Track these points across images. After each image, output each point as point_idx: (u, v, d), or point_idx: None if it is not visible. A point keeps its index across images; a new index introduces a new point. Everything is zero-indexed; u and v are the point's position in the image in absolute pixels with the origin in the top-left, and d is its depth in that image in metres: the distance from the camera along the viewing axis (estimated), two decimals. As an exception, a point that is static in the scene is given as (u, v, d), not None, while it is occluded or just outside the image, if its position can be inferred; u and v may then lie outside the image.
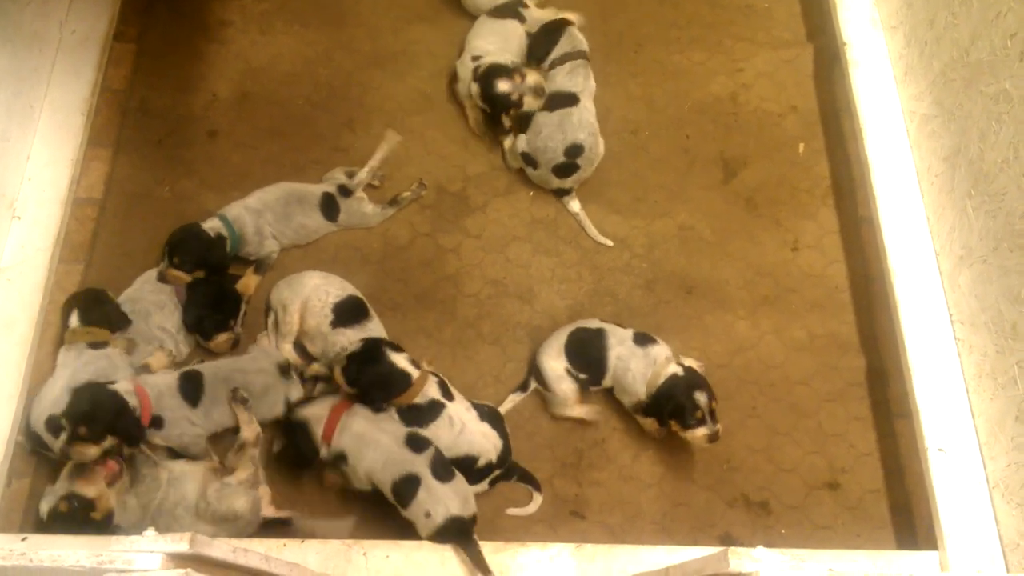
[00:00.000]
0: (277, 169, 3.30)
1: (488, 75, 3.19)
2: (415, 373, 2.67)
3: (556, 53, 3.30)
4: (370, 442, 2.57)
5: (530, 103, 3.18)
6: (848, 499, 2.83)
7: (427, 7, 3.59)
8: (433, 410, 2.67)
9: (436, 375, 2.77)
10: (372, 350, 2.67)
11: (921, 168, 3.05)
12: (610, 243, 3.18)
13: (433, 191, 3.30)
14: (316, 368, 2.89)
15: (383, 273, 3.15)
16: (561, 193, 3.24)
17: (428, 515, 2.49)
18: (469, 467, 2.66)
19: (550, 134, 3.13)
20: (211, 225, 2.94)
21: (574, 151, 3.13)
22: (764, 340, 3.06)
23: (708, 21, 3.68)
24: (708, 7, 3.71)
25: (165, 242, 2.91)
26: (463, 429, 2.67)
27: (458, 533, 2.49)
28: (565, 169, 3.16)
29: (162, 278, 2.89)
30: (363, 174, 3.18)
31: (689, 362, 2.83)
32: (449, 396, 2.72)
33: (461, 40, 3.47)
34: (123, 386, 2.59)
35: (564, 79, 3.25)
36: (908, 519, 2.79)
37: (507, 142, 3.31)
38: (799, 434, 2.92)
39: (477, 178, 3.33)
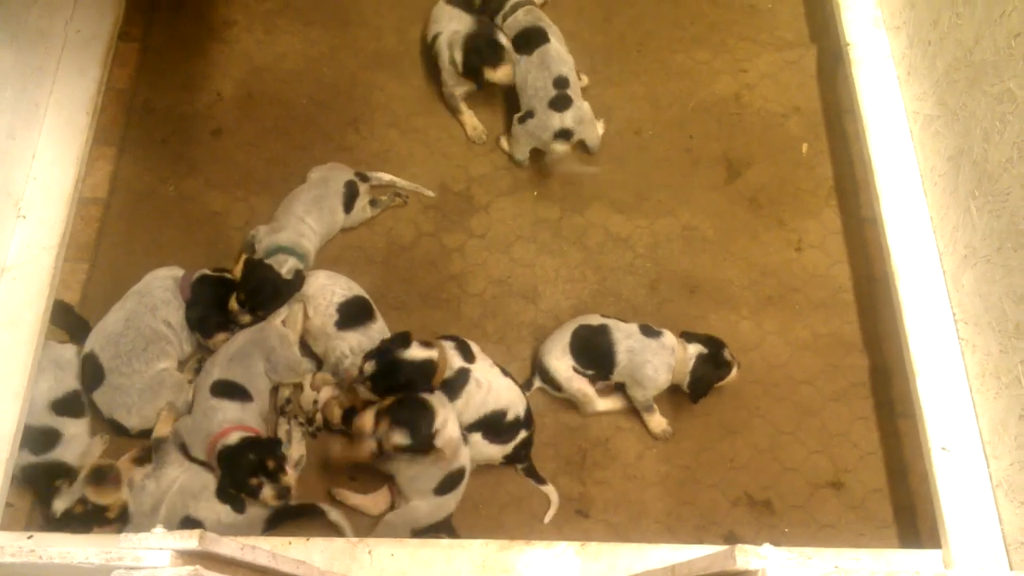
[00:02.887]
0: (282, 168, 3.30)
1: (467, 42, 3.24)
2: (434, 355, 2.63)
3: (507, 5, 3.40)
4: None
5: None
6: (852, 498, 2.83)
7: (430, 7, 3.59)
8: (461, 377, 2.65)
9: (452, 339, 2.75)
10: (389, 364, 2.59)
11: (925, 168, 3.05)
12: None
13: (437, 191, 3.30)
14: (321, 377, 2.87)
15: (387, 272, 3.15)
16: (564, 136, 3.19)
17: None
18: (499, 422, 2.68)
19: (536, 74, 3.19)
20: (289, 267, 2.88)
21: (561, 82, 3.17)
22: (768, 340, 3.06)
23: (711, 21, 3.68)
24: (711, 7, 3.72)
25: (241, 281, 2.85)
26: (490, 386, 2.68)
27: None
28: (561, 102, 3.16)
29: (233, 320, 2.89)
30: (384, 177, 3.23)
31: None
32: (471, 357, 2.71)
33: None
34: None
35: (525, 18, 3.33)
36: (911, 518, 2.80)
37: (504, 141, 3.35)
38: (803, 433, 2.93)
39: (481, 178, 3.34)
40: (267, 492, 2.56)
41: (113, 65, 3.40)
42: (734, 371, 2.84)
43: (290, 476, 2.58)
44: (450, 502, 2.66)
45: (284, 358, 2.80)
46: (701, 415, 2.95)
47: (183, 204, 3.24)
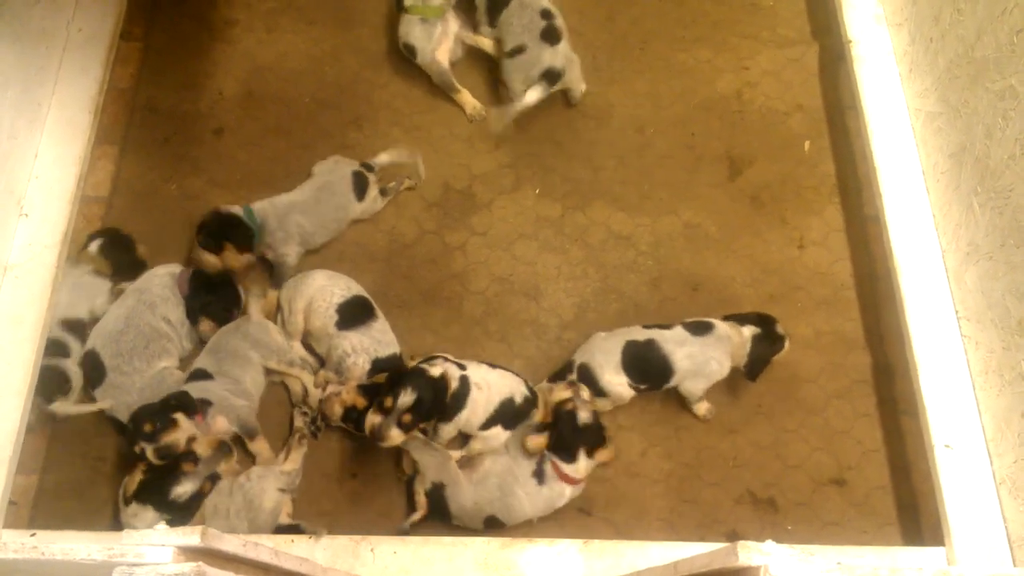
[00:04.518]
0: (284, 167, 3.31)
1: None
2: (439, 370, 2.59)
3: None
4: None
5: None
6: (855, 496, 2.83)
7: (433, 5, 3.58)
8: (463, 386, 2.63)
9: (442, 357, 2.74)
10: (424, 386, 2.53)
11: (927, 165, 3.05)
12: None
13: (439, 189, 3.30)
14: (324, 375, 2.88)
15: (389, 271, 3.15)
16: (553, 78, 3.20)
17: None
18: (510, 410, 2.68)
19: (519, 12, 3.26)
20: (235, 209, 2.97)
21: (547, 14, 3.24)
22: (770, 337, 3.06)
23: (713, 19, 3.68)
24: (713, 5, 3.71)
25: (198, 225, 2.94)
26: (488, 384, 2.68)
27: None
28: (550, 33, 3.20)
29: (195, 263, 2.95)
30: (383, 157, 3.22)
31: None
32: (462, 367, 2.69)
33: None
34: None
35: None
36: (915, 515, 2.79)
37: (492, 112, 3.39)
38: (806, 431, 2.92)
39: (483, 176, 3.34)
40: (149, 452, 2.56)
41: (115, 64, 3.41)
42: (787, 343, 2.87)
43: (175, 436, 2.57)
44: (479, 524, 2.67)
45: (267, 343, 2.84)
46: (703, 413, 2.95)
47: (185, 203, 3.24)
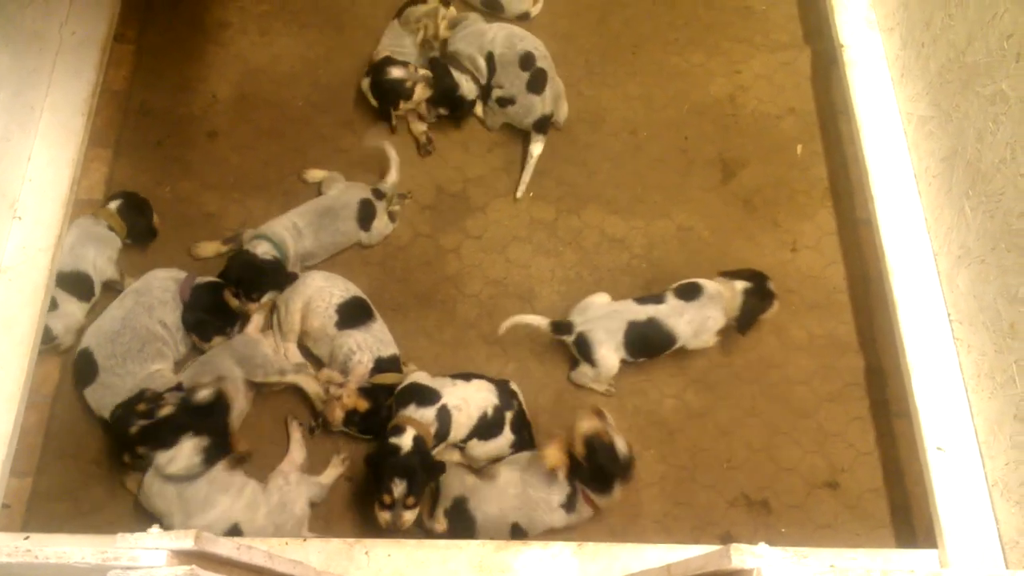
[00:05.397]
0: (277, 170, 3.31)
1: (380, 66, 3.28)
2: (413, 434, 2.59)
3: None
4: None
5: (420, 93, 3.27)
6: (848, 498, 2.84)
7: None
8: (442, 414, 2.66)
9: (403, 394, 2.74)
10: (403, 466, 2.56)
11: (919, 169, 3.06)
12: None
13: (433, 192, 3.31)
14: (327, 374, 2.87)
15: (384, 274, 3.15)
16: (542, 126, 3.28)
17: None
18: (485, 424, 2.71)
19: (502, 71, 3.29)
20: (263, 250, 2.92)
21: (528, 61, 3.27)
22: (764, 340, 3.07)
23: (705, 23, 3.70)
24: (705, 9, 3.73)
25: (223, 272, 2.92)
26: (466, 402, 2.70)
27: None
28: (536, 83, 3.25)
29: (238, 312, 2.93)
30: (391, 177, 3.21)
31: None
32: (435, 396, 2.69)
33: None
34: None
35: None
36: (907, 518, 2.80)
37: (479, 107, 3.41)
38: (799, 434, 2.93)
39: (477, 179, 3.34)
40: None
41: (108, 67, 3.39)
42: (775, 304, 2.95)
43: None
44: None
45: (251, 357, 2.82)
46: (697, 415, 2.95)
47: (178, 206, 3.24)
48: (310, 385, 2.85)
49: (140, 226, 3.09)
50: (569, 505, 2.63)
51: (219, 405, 2.63)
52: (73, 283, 2.92)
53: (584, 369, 2.91)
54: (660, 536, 2.76)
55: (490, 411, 2.73)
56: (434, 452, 2.67)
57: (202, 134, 3.40)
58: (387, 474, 2.54)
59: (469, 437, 2.73)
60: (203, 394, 2.61)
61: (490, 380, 2.81)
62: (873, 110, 3.21)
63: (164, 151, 3.35)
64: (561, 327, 2.89)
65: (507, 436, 2.75)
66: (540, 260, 3.20)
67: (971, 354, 2.70)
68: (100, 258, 2.97)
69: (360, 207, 3.09)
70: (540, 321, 2.90)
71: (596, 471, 2.59)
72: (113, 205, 3.07)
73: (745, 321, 2.92)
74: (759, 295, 2.92)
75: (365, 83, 3.32)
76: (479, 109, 3.41)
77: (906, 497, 2.83)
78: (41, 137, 3.09)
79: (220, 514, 2.55)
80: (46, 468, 2.79)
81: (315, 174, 3.26)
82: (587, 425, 2.62)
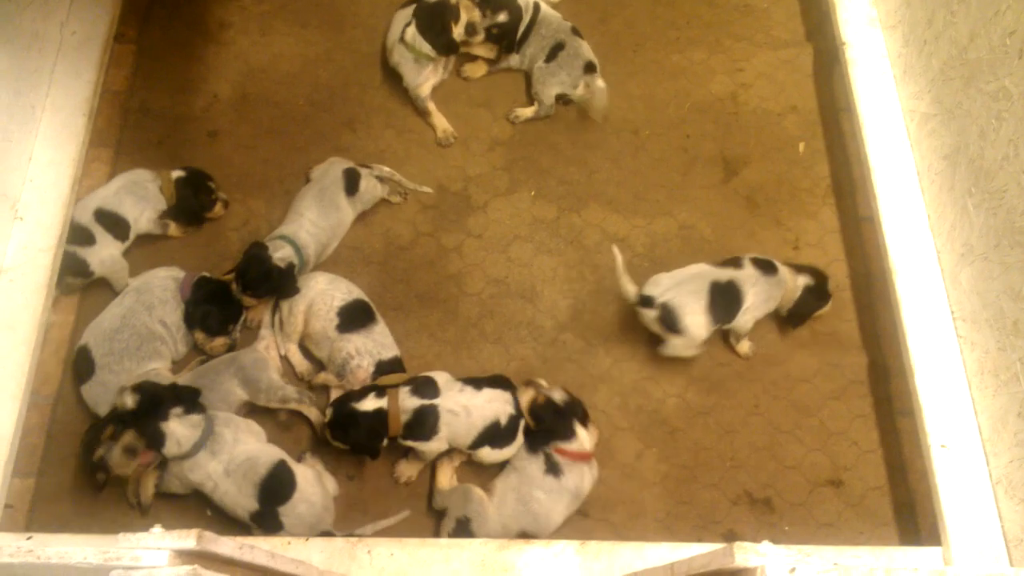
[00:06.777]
0: (278, 169, 3.30)
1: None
2: (383, 404, 2.63)
3: None
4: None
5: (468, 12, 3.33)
6: (851, 496, 2.83)
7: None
8: (427, 414, 2.64)
9: (416, 379, 2.73)
10: (345, 416, 2.65)
11: (921, 166, 3.06)
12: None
13: (434, 191, 3.30)
14: (323, 377, 2.87)
15: (385, 273, 3.15)
16: (591, 68, 3.36)
17: None
18: (496, 431, 2.68)
19: (544, 25, 3.41)
20: (281, 255, 2.89)
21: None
22: (766, 338, 3.06)
23: (707, 21, 3.69)
24: (706, 7, 3.72)
25: (237, 267, 2.89)
26: (468, 410, 2.67)
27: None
28: (576, 30, 3.41)
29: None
30: (384, 170, 3.22)
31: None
32: (434, 393, 2.68)
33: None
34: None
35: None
36: (911, 516, 2.80)
37: (518, 111, 3.45)
38: (802, 432, 2.93)
39: (478, 178, 3.34)
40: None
41: (109, 67, 3.39)
42: (828, 305, 3.00)
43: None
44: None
45: (257, 380, 2.79)
46: (699, 414, 2.95)
47: (180, 206, 3.23)
48: (313, 414, 2.83)
49: (187, 204, 3.08)
50: (552, 469, 2.65)
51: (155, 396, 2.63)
52: (111, 223, 2.97)
53: (674, 341, 2.90)
54: (663, 535, 2.75)
55: (504, 420, 2.69)
56: (424, 451, 2.71)
57: (203, 134, 3.40)
58: (334, 422, 2.66)
59: (479, 445, 2.69)
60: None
61: (504, 387, 2.76)
62: (875, 107, 3.21)
63: (165, 151, 3.35)
64: (645, 301, 2.86)
65: (519, 441, 2.73)
66: (542, 259, 3.20)
67: (975, 351, 2.70)
68: (135, 210, 3.01)
69: (344, 176, 3.10)
70: (630, 288, 2.86)
71: (551, 427, 2.69)
72: (176, 174, 3.08)
73: (798, 315, 2.97)
74: (817, 294, 2.97)
75: (409, 32, 3.30)
76: (519, 111, 3.43)
77: (910, 495, 2.82)
78: (42, 137, 3.09)
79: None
80: (48, 469, 2.79)
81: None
82: (525, 399, 2.75)
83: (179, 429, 2.56)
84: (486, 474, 2.78)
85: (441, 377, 2.75)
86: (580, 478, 2.68)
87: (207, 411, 2.65)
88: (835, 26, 3.42)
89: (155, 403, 2.57)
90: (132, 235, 3.03)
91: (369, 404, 2.63)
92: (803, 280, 2.96)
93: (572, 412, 2.71)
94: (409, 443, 2.70)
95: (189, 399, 2.63)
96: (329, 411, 2.70)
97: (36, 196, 2.99)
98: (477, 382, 2.74)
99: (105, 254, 2.96)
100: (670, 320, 2.84)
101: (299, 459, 2.75)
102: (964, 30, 2.80)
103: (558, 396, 2.74)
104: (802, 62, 3.60)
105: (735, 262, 2.93)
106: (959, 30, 2.83)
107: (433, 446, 2.69)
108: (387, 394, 2.65)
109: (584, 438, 2.69)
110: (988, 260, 2.63)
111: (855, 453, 2.90)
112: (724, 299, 2.86)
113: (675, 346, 2.92)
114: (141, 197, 3.03)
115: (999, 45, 2.60)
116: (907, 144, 3.13)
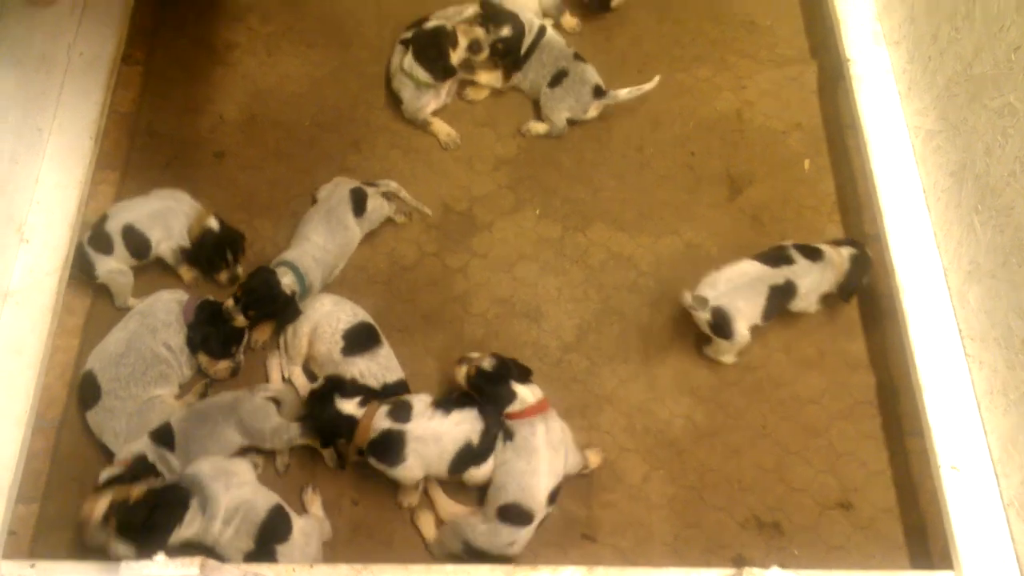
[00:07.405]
0: (284, 191, 3.31)
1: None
2: (358, 414, 2.62)
3: None
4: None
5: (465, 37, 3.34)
6: (861, 519, 2.80)
7: (432, 28, 3.60)
8: (392, 439, 2.60)
9: (392, 402, 2.69)
10: (324, 398, 2.65)
11: (927, 183, 3.04)
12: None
13: (439, 211, 3.30)
14: None
15: (390, 294, 3.14)
16: (599, 93, 3.39)
17: None
18: (469, 452, 2.64)
19: (547, 49, 3.41)
20: (286, 282, 2.86)
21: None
22: (773, 358, 3.04)
23: (711, 38, 3.69)
24: (711, 24, 3.73)
25: (241, 286, 2.86)
26: (437, 436, 2.62)
27: None
28: (580, 56, 3.43)
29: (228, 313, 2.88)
30: (391, 185, 3.23)
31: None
32: (406, 418, 2.63)
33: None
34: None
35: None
36: (922, 538, 2.76)
37: (531, 125, 3.46)
38: (810, 453, 2.90)
39: (483, 198, 3.34)
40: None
41: (116, 88, 3.41)
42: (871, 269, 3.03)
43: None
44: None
45: (260, 431, 2.73)
46: (706, 435, 2.92)
47: (186, 227, 3.24)
48: (318, 443, 2.79)
49: (198, 256, 3.04)
50: (507, 436, 2.64)
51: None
52: (135, 242, 2.98)
53: (720, 345, 2.92)
54: (671, 559, 2.72)
55: (476, 439, 2.64)
56: (395, 478, 2.68)
57: (209, 155, 3.41)
58: (317, 392, 2.68)
59: (461, 468, 2.65)
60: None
61: (471, 404, 2.70)
62: (880, 124, 3.20)
63: (172, 172, 3.36)
64: (698, 301, 2.84)
65: (498, 448, 2.69)
66: (547, 278, 3.19)
67: (983, 370, 2.67)
68: (160, 235, 3.01)
69: (351, 195, 3.10)
70: (687, 295, 2.85)
71: (489, 396, 2.67)
72: (210, 222, 3.03)
73: (850, 287, 2.97)
74: (863, 259, 2.98)
75: (407, 60, 3.33)
76: (532, 126, 3.45)
77: (920, 517, 2.78)
78: (49, 159, 3.10)
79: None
80: (52, 494, 2.77)
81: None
82: (459, 377, 2.73)
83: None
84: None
85: (421, 402, 2.69)
86: (532, 433, 2.62)
87: (194, 492, 2.52)
88: (839, 43, 3.42)
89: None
90: (151, 257, 3.05)
91: (348, 407, 2.63)
92: (847, 251, 2.97)
93: (506, 374, 2.67)
94: (374, 463, 2.65)
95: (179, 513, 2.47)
96: (321, 381, 2.71)
97: (42, 219, 3.00)
98: (447, 404, 2.69)
99: (115, 266, 2.97)
100: (722, 324, 2.84)
101: (301, 492, 2.75)
102: (969, 46, 2.79)
103: (487, 363, 2.70)
104: (807, 79, 3.59)
105: (784, 257, 2.92)
106: (964, 46, 2.82)
107: (402, 473, 2.64)
108: (368, 406, 2.64)
109: (525, 394, 2.65)
110: (996, 278, 2.61)
111: (864, 474, 2.87)
112: (780, 299, 2.90)
113: (719, 350, 2.95)
114: (169, 228, 3.02)
115: (1004, 61, 2.59)
116: (912, 161, 3.12)
